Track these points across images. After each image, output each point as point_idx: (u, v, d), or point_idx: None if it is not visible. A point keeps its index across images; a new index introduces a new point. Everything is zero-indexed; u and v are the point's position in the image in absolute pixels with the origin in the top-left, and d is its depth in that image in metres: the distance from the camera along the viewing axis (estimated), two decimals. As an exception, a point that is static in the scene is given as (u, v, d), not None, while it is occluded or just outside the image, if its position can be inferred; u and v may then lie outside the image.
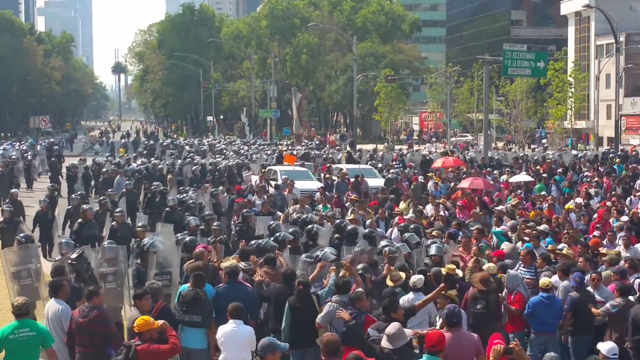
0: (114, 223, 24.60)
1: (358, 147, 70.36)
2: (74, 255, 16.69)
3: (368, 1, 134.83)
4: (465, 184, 32.93)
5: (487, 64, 56.31)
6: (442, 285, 14.79)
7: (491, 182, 35.16)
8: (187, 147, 67.83)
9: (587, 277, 16.60)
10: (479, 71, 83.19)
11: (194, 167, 43.45)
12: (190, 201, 27.66)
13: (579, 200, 29.15)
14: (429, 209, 27.58)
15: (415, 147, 79.37)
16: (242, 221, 24.02)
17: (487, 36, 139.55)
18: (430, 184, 36.44)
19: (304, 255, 17.72)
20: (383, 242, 19.13)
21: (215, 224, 22.43)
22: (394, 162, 49.89)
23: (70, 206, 28.96)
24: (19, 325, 12.46)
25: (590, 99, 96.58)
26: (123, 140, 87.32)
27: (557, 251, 19.04)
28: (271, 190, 33.50)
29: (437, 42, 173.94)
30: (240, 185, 36.89)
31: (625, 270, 16.96)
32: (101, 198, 28.84)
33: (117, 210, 25.66)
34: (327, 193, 31.70)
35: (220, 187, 33.46)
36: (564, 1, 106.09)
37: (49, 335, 12.74)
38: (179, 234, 20.49)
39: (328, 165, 46.89)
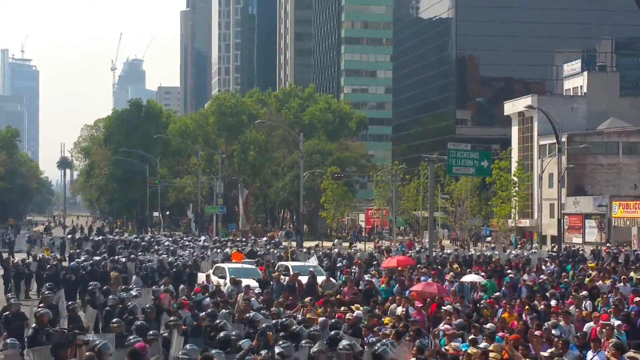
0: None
1: (305, 244, 70.38)
2: None
3: (315, 99, 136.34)
4: (418, 287, 32.36)
5: (432, 163, 56.89)
6: None
7: (446, 284, 34.59)
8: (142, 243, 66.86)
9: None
10: (425, 169, 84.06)
11: (149, 264, 43.37)
12: (129, 304, 26.36)
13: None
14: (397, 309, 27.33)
15: (359, 245, 79.43)
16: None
17: (433, 134, 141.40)
18: (375, 281, 36.36)
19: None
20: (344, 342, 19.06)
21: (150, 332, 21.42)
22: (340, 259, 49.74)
23: (8, 312, 25.01)
24: None
25: (534, 198, 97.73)
26: (69, 236, 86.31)
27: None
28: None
29: (383, 140, 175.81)
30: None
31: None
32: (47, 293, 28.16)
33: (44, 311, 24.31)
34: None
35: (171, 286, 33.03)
36: (507, 102, 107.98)
37: None
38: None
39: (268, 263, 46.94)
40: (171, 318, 23.27)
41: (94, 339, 18.50)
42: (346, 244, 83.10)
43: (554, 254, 56.25)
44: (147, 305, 25.51)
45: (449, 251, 59.81)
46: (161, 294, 29.97)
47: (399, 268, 39.99)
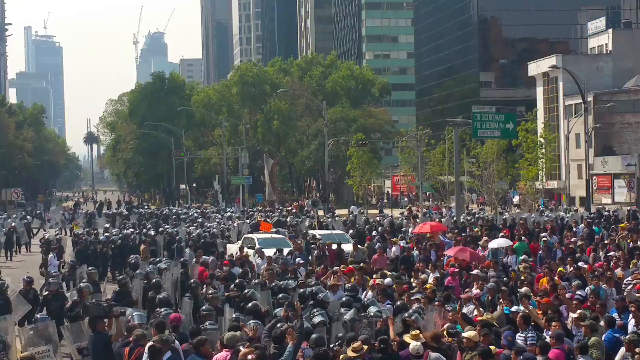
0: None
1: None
2: None
3: (337, 66, 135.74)
4: (450, 252, 31.95)
5: (457, 127, 56.55)
6: None
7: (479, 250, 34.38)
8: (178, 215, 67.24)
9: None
10: (450, 133, 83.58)
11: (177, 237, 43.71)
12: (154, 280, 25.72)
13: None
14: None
15: (387, 211, 79.28)
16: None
17: (457, 98, 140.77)
18: (394, 249, 36.28)
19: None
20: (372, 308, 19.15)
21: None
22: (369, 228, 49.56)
23: (47, 291, 24.87)
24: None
25: (561, 159, 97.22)
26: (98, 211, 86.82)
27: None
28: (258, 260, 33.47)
29: (407, 106, 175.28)
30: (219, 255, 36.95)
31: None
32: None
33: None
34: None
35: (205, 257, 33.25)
36: (531, 63, 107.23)
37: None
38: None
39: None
40: (210, 291, 23.36)
41: (130, 311, 18.78)
42: (374, 211, 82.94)
43: (593, 214, 55.45)
44: (192, 280, 25.63)
45: (476, 215, 59.41)
46: (199, 268, 30.14)
47: (429, 234, 39.73)
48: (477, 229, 45.40)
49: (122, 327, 17.82)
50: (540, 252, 34.49)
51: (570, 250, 32.53)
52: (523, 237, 38.13)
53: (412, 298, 21.72)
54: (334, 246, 35.92)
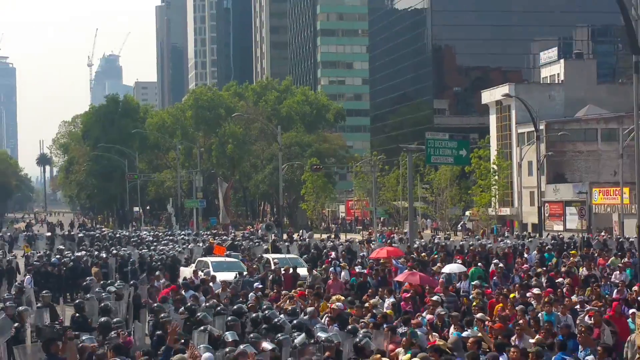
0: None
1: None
2: None
3: (292, 92, 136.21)
4: (401, 278, 31.92)
5: (410, 153, 56.83)
6: None
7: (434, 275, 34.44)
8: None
9: None
10: (404, 159, 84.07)
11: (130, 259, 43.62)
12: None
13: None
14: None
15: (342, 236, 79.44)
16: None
17: (411, 125, 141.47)
18: (344, 273, 36.39)
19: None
20: (320, 333, 19.08)
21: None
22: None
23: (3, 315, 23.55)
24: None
25: (514, 186, 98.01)
26: (49, 233, 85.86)
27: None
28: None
29: (361, 131, 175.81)
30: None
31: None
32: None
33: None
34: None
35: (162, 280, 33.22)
36: (485, 91, 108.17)
37: None
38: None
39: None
40: (161, 315, 23.25)
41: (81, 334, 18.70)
42: (318, 235, 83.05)
43: (553, 241, 55.78)
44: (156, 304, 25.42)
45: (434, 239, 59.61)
46: (163, 290, 30.14)
47: (382, 260, 39.78)
48: (436, 254, 45.51)
49: (75, 350, 17.74)
50: (495, 278, 34.76)
51: (528, 277, 32.42)
52: (479, 263, 38.41)
53: (360, 322, 21.80)
54: (290, 270, 35.99)
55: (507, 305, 24.90)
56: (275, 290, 30.03)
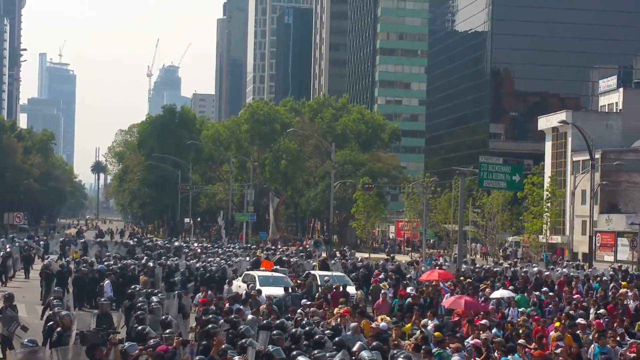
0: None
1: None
2: None
3: (349, 110, 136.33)
4: (446, 304, 31.78)
5: (463, 176, 56.66)
6: None
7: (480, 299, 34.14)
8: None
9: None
10: (457, 182, 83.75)
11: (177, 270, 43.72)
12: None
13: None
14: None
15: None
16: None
17: (465, 148, 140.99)
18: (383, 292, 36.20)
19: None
20: (364, 353, 18.93)
21: (167, 330, 21.40)
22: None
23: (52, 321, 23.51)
24: None
25: (566, 214, 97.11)
26: (99, 240, 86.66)
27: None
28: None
29: (416, 152, 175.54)
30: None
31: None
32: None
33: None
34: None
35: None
36: (541, 117, 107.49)
37: None
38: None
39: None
40: (210, 325, 23.24)
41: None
42: (375, 255, 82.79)
43: (611, 272, 54.84)
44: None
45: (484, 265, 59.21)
46: (201, 299, 30.30)
47: (434, 283, 39.44)
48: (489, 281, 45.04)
49: (119, 356, 17.84)
50: (550, 306, 34.27)
51: (583, 307, 31.86)
52: (534, 292, 37.85)
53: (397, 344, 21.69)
54: (340, 288, 35.87)
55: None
56: (325, 308, 29.95)
